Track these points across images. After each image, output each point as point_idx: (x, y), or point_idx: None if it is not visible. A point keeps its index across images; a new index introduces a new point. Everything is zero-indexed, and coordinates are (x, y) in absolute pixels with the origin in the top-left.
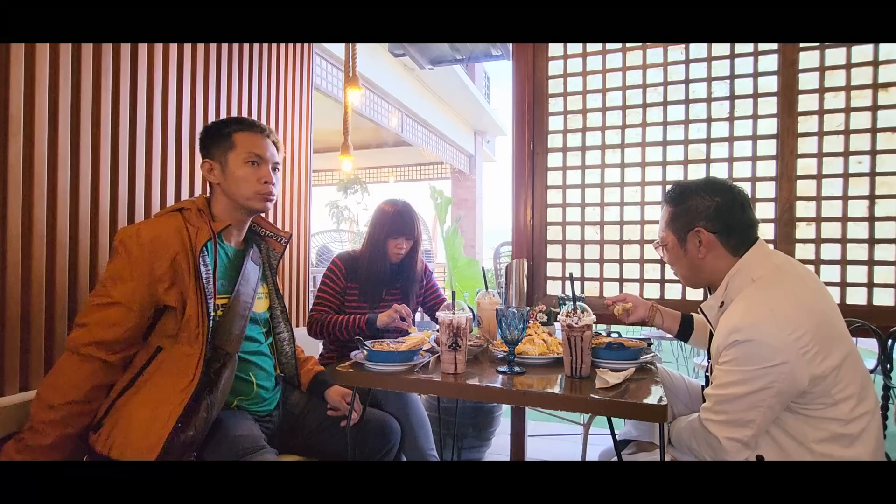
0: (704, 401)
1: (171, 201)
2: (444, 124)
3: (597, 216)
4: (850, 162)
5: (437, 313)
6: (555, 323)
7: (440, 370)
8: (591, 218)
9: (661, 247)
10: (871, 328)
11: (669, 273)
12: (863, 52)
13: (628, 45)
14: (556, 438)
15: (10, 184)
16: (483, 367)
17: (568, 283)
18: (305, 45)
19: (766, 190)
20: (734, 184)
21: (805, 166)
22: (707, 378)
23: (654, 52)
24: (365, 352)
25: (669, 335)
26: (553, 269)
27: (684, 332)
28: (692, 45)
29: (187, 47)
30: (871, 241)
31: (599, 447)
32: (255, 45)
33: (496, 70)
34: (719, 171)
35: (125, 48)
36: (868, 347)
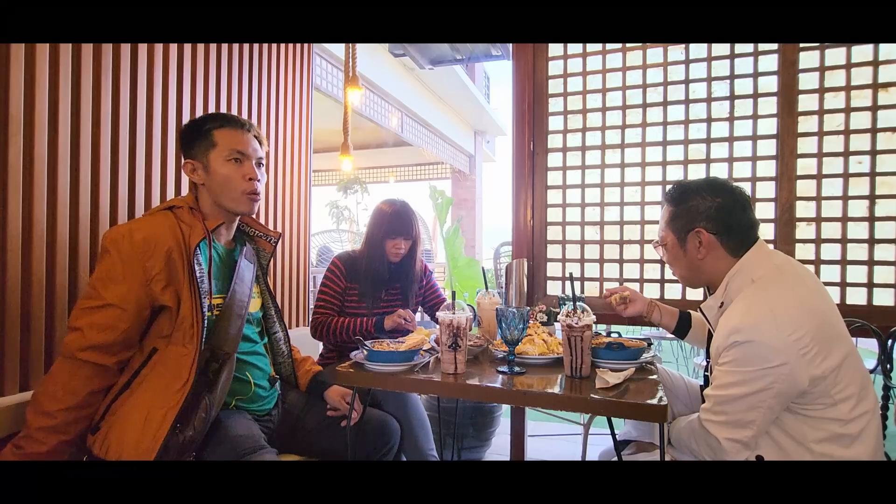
0: (704, 401)
1: None
2: (444, 124)
3: (597, 216)
4: (850, 162)
5: (437, 313)
6: (555, 323)
7: (440, 370)
8: (591, 218)
9: (661, 246)
10: (871, 328)
11: (669, 273)
12: (863, 52)
13: (628, 45)
14: (556, 438)
15: (10, 184)
16: (483, 367)
17: (568, 283)
18: (305, 45)
19: (766, 190)
20: (735, 184)
21: (805, 166)
22: (706, 378)
23: (654, 52)
24: (365, 352)
25: (669, 334)
26: (553, 269)
27: (682, 329)
28: (692, 45)
29: (187, 47)
30: (871, 241)
31: (599, 447)
32: (255, 45)
33: (496, 70)
34: (719, 171)
35: (125, 48)
36: (868, 347)
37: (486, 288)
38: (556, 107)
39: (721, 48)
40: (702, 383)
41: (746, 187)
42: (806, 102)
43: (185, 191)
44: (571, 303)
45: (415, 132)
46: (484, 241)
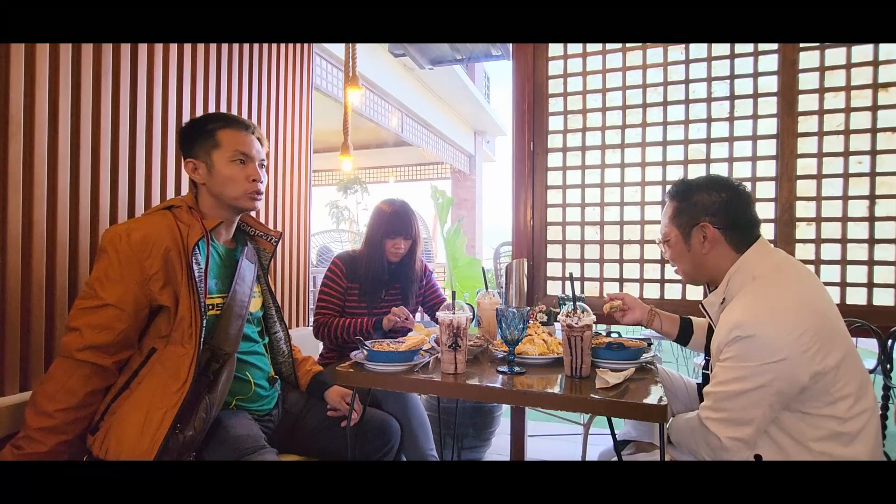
0: (702, 399)
1: None
2: (444, 124)
3: (597, 216)
4: (850, 162)
5: (437, 313)
6: (555, 323)
7: (440, 370)
8: (591, 218)
9: (664, 243)
10: (871, 328)
11: (669, 273)
12: (863, 52)
13: (628, 45)
14: (556, 438)
15: (10, 184)
16: (483, 367)
17: (568, 283)
18: (305, 45)
19: (766, 190)
20: (739, 182)
21: (805, 166)
22: (705, 377)
23: (654, 52)
24: (365, 352)
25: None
26: (553, 269)
27: (684, 336)
28: (692, 45)
29: (187, 47)
30: (871, 241)
31: (599, 447)
32: (255, 45)
33: (496, 70)
34: (719, 171)
35: (125, 48)
36: (868, 347)
37: (486, 288)
38: (556, 107)
39: (721, 48)
40: (699, 381)
41: (746, 187)
42: (806, 102)
43: (185, 191)
44: (571, 303)
45: (415, 132)
46: (484, 241)
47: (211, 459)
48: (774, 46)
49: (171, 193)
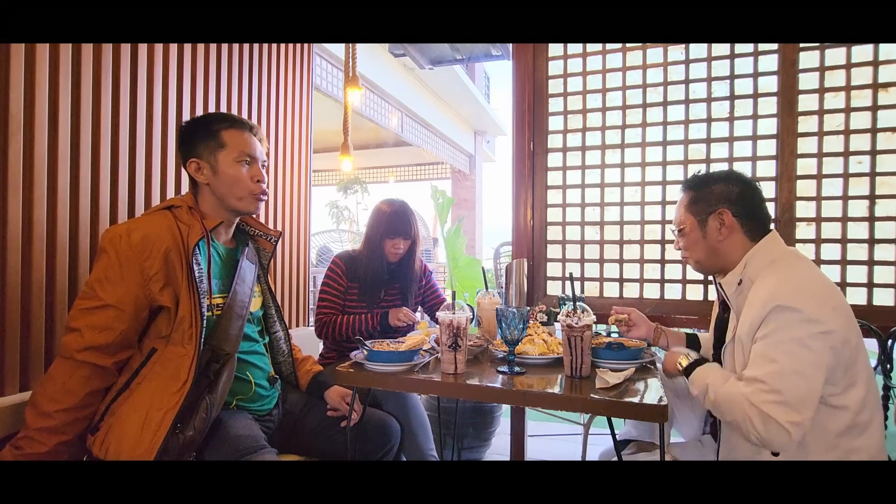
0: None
1: None
2: (444, 124)
3: (597, 216)
4: (850, 162)
5: (437, 313)
6: (555, 323)
7: (440, 370)
8: (591, 218)
9: (678, 232)
10: (871, 328)
11: (669, 273)
12: (863, 52)
13: (628, 45)
14: (556, 438)
15: (10, 184)
16: (483, 367)
17: (568, 283)
18: (305, 45)
19: (766, 190)
20: (753, 178)
21: (805, 166)
22: (718, 355)
23: (654, 52)
24: (365, 352)
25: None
26: (553, 269)
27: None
28: (692, 45)
29: (187, 47)
30: (871, 241)
31: (599, 447)
32: (255, 45)
33: (496, 70)
34: None
35: (125, 48)
36: (868, 347)
37: (486, 288)
38: (556, 107)
39: (721, 48)
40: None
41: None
42: (806, 102)
43: (185, 191)
44: (571, 303)
45: (415, 132)
46: (484, 241)
47: (211, 459)
48: (774, 46)
49: (171, 193)
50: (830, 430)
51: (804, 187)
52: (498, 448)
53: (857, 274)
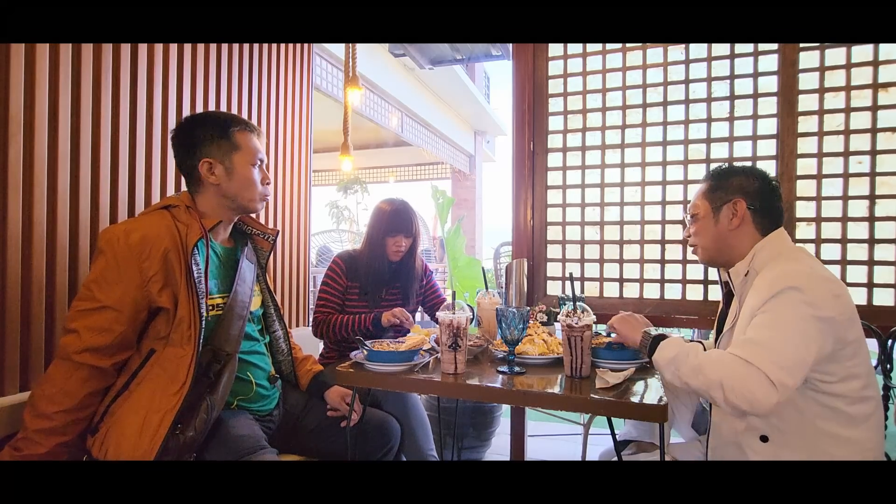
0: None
1: None
2: (444, 124)
3: (597, 216)
4: (850, 162)
5: (437, 313)
6: (555, 323)
7: (440, 370)
8: (591, 218)
9: (690, 217)
10: (871, 328)
11: (669, 273)
12: (863, 52)
13: (628, 45)
14: (556, 438)
15: (10, 184)
16: (483, 367)
17: (568, 283)
18: (305, 45)
19: None
20: (775, 178)
21: (805, 166)
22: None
23: (654, 52)
24: (365, 352)
25: (669, 333)
26: (553, 269)
27: None
28: (692, 45)
29: (187, 47)
30: (871, 241)
31: (599, 447)
32: (255, 45)
33: (496, 70)
34: None
35: (125, 48)
36: (868, 347)
37: (486, 288)
38: (556, 107)
39: (721, 48)
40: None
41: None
42: (806, 102)
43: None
44: (571, 303)
45: (415, 132)
46: (484, 241)
47: (211, 459)
48: (774, 46)
49: (171, 193)
50: (814, 413)
51: (804, 187)
52: (498, 448)
53: (857, 274)
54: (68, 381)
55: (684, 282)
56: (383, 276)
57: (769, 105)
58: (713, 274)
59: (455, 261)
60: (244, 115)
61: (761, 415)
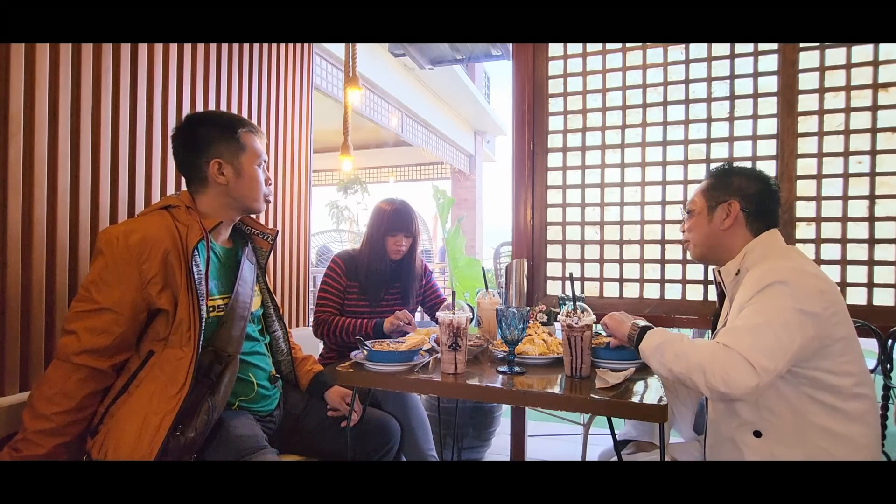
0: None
1: None
2: (444, 124)
3: (597, 216)
4: (850, 162)
5: (437, 313)
6: (555, 323)
7: (440, 370)
8: (591, 218)
9: (687, 212)
10: (871, 328)
11: (669, 273)
12: (863, 52)
13: (628, 45)
14: (556, 438)
15: (10, 184)
16: (483, 367)
17: (568, 283)
18: (305, 45)
19: None
20: (776, 181)
21: (805, 166)
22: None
23: (654, 52)
24: (365, 352)
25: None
26: (553, 269)
27: None
28: (692, 45)
29: (187, 47)
30: (871, 241)
31: (599, 447)
32: (255, 45)
33: (496, 70)
34: None
35: (125, 48)
36: (868, 347)
37: (486, 288)
38: (556, 107)
39: (721, 48)
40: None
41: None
42: (806, 102)
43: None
44: (571, 303)
45: (415, 132)
46: (484, 241)
47: (212, 459)
48: (774, 46)
49: (171, 193)
50: (807, 409)
51: (804, 187)
52: (498, 448)
53: (857, 274)
54: (67, 383)
55: (684, 282)
56: (383, 275)
57: (769, 105)
58: (713, 274)
59: (455, 261)
60: (244, 115)
61: (739, 396)
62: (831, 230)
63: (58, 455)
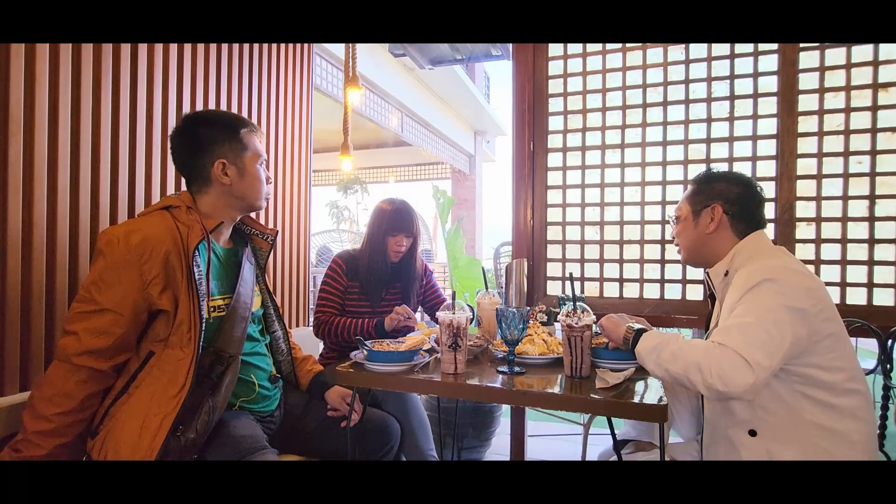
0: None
1: None
2: (444, 124)
3: (597, 216)
4: (850, 162)
5: (437, 313)
6: (555, 323)
7: (440, 370)
8: (591, 218)
9: (675, 218)
10: (871, 328)
11: (669, 273)
12: (863, 52)
13: (628, 45)
14: (556, 438)
15: (10, 184)
16: (483, 367)
17: (568, 283)
18: (305, 45)
19: (766, 190)
20: (758, 183)
21: (805, 166)
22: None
23: (654, 52)
24: (365, 352)
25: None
26: (553, 269)
27: None
28: (692, 45)
29: (187, 47)
30: (871, 241)
31: (599, 447)
32: (255, 45)
33: (496, 70)
34: None
35: (125, 48)
36: (868, 347)
37: (486, 288)
38: (556, 107)
39: (721, 48)
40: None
41: (763, 190)
42: (806, 102)
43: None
44: (571, 303)
45: (415, 132)
46: (484, 241)
47: (213, 459)
48: (774, 46)
49: (171, 193)
50: (801, 406)
51: (804, 187)
52: (498, 448)
53: (857, 274)
54: (67, 383)
55: (684, 282)
56: (384, 275)
57: (769, 105)
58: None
59: (455, 261)
60: (244, 115)
61: (737, 394)
62: (831, 230)
63: (58, 456)
